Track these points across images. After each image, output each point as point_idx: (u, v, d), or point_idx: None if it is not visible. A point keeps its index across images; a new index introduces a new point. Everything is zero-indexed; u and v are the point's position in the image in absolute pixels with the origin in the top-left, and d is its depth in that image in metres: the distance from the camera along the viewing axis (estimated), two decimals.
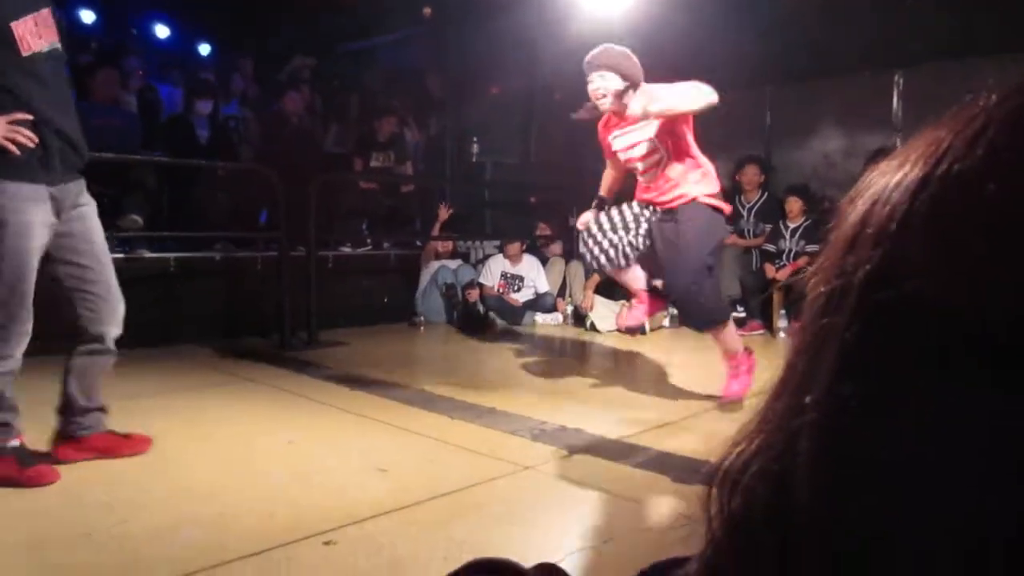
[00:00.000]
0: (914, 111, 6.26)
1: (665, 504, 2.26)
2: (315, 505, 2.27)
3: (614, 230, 3.48)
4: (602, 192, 3.76)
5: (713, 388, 4.00)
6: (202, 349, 4.96)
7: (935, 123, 0.38)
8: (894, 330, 0.31)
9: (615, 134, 3.55)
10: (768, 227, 6.37)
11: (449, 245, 6.66)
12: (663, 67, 6.88)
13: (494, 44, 6.76)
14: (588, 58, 3.39)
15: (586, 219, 3.62)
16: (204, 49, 8.29)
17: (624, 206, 3.57)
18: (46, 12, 2.40)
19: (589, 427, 3.09)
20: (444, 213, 6.66)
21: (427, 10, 7.63)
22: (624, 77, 3.38)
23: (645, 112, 3.22)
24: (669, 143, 3.46)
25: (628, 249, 3.48)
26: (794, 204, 6.18)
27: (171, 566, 1.85)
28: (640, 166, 3.53)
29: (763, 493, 0.35)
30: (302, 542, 2.00)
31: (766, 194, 6.56)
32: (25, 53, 2.32)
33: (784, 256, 6.16)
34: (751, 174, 6.56)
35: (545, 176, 7.47)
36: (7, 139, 2.27)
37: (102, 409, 2.71)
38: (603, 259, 3.47)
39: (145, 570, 1.82)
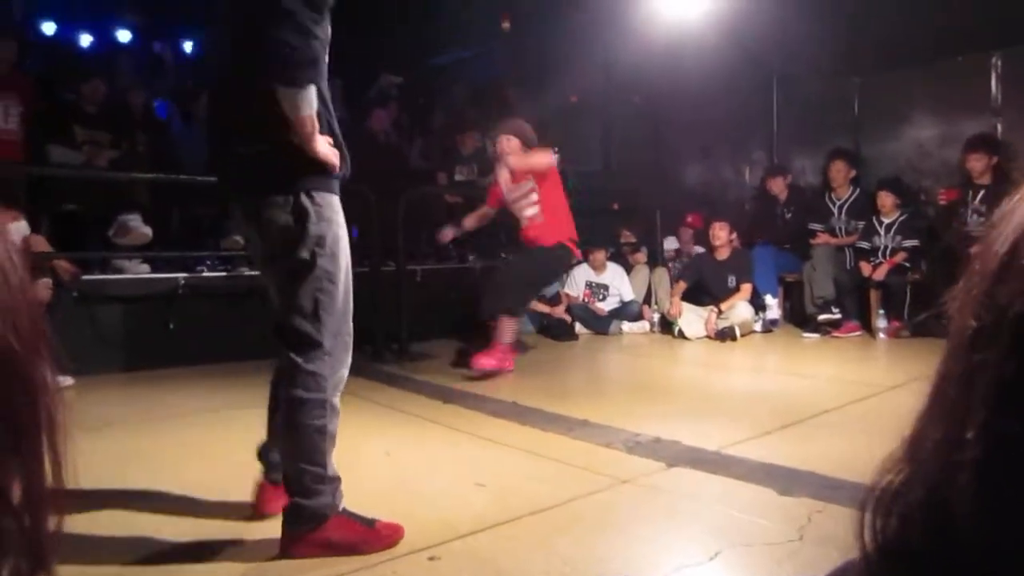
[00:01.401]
0: (1015, 94, 5.94)
1: (772, 518, 2.20)
2: (416, 518, 2.31)
3: None
4: None
5: (813, 395, 3.90)
6: None
7: None
8: None
9: None
10: (861, 224, 6.15)
11: None
12: (747, 63, 6.81)
13: (571, 54, 6.78)
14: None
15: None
16: None
17: None
18: None
19: (685, 438, 3.05)
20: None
21: (505, 24, 7.70)
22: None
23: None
24: None
25: None
26: (886, 199, 5.94)
27: None
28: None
29: (922, 521, 0.35)
30: (407, 556, 2.04)
31: (857, 190, 6.33)
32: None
33: (879, 253, 5.92)
34: (839, 169, 6.35)
35: (627, 182, 7.42)
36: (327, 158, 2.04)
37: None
38: None
39: None
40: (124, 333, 4.93)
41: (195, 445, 3.20)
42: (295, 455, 2.04)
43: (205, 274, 5.36)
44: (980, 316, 0.34)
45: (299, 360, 2.05)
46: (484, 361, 4.52)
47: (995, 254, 0.35)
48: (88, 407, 3.82)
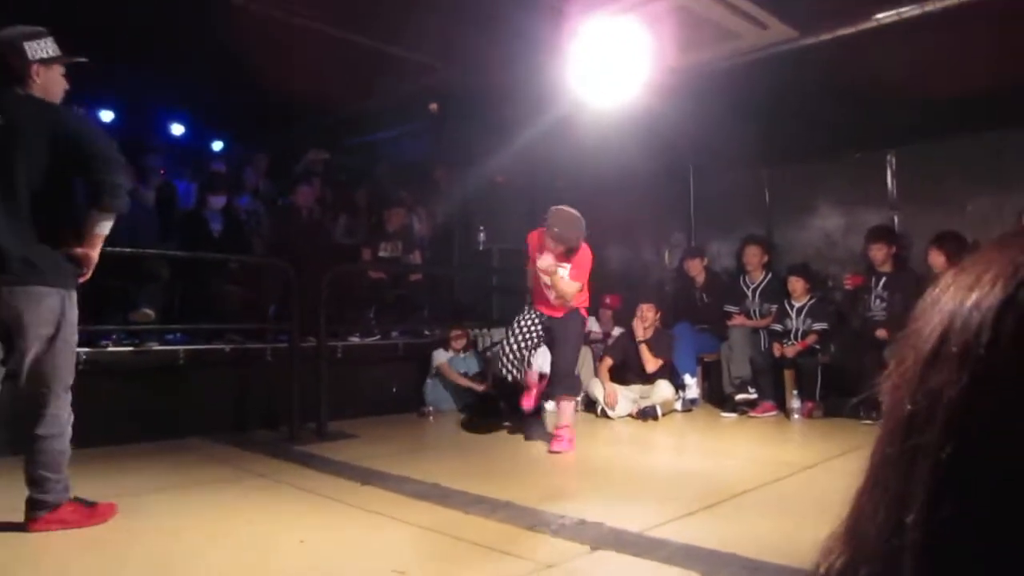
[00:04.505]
0: (908, 189, 6.39)
1: None
2: None
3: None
4: None
5: (732, 474, 3.94)
6: (211, 442, 4.90)
7: (999, 243, 0.38)
8: (992, 449, 0.31)
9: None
10: (774, 307, 6.38)
11: (463, 336, 6.63)
12: (664, 152, 7.11)
13: (498, 136, 6.94)
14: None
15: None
16: (217, 145, 8.53)
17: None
18: None
19: (609, 519, 3.02)
20: None
21: (433, 105, 7.86)
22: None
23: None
24: None
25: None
26: (796, 283, 6.22)
27: None
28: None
29: None
30: None
31: (770, 274, 6.60)
32: None
33: (792, 335, 6.15)
34: (754, 254, 6.62)
35: None
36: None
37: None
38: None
39: None
40: (12, 413, 4.42)
41: (92, 537, 2.97)
42: (50, 468, 2.91)
43: (110, 349, 5.08)
44: (915, 400, 0.35)
45: (59, 405, 2.96)
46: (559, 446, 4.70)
47: (926, 340, 0.36)
48: None
